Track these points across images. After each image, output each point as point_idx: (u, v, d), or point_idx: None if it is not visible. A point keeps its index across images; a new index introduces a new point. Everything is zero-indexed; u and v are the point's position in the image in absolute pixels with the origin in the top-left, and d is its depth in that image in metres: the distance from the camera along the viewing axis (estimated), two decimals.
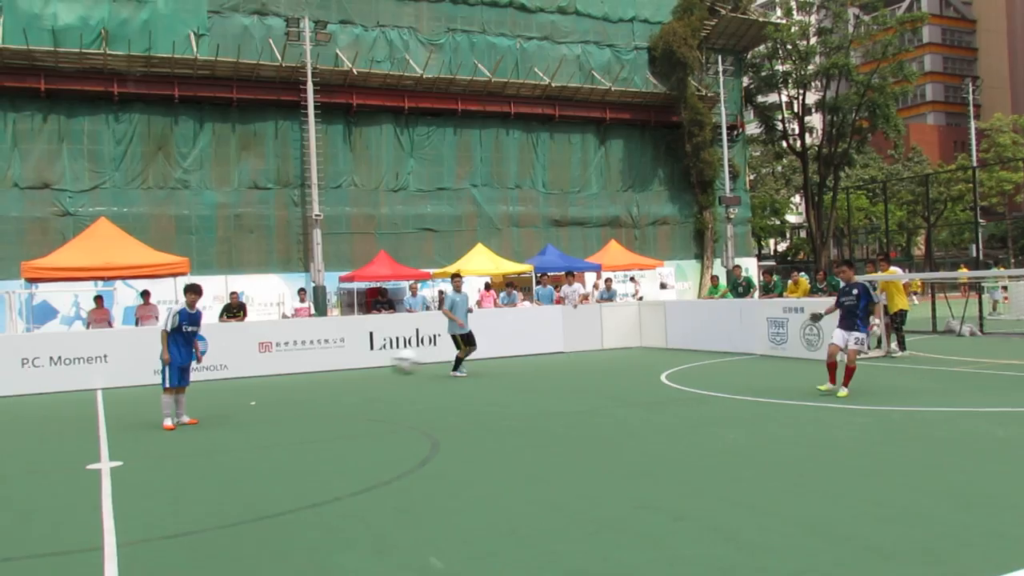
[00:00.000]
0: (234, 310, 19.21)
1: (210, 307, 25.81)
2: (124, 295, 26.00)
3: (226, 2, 30.31)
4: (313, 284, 28.48)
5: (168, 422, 10.48)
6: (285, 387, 14.64)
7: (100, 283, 23.39)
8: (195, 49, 29.36)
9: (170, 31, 29.29)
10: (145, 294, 19.08)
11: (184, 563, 5.10)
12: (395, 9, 33.03)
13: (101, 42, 28.15)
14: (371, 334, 18.00)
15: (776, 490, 6.22)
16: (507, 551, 5.03)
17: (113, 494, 6.93)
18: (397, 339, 18.06)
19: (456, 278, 16.36)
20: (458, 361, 15.49)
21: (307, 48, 28.74)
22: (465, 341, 15.63)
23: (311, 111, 28.82)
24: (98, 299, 18.72)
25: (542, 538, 5.24)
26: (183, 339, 10.80)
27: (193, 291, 11.01)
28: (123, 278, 22.40)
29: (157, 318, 18.55)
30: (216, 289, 27.90)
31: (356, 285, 29.30)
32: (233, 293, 21.30)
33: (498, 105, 34.45)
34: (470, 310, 16.30)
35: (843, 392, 10.86)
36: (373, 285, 28.62)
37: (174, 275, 20.19)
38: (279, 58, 30.24)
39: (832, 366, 11.21)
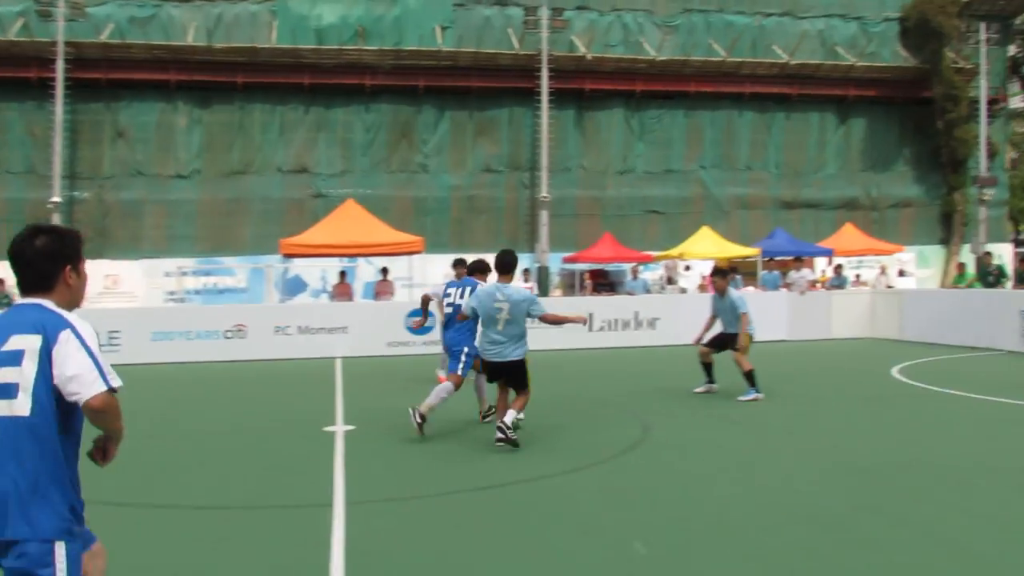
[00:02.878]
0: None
1: (441, 284, 27.28)
2: (365, 271, 27.97)
3: None
4: (537, 264, 29.25)
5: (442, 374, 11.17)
6: None
7: (345, 260, 25.34)
8: (440, 41, 30.93)
9: (418, 25, 31.06)
10: (384, 271, 20.46)
11: (403, 524, 5.62)
12: None
13: (357, 38, 30.40)
14: (591, 316, 18.34)
15: (1008, 501, 5.87)
16: (712, 541, 5.11)
17: (346, 456, 7.66)
18: (616, 321, 18.31)
19: (458, 265, 11.79)
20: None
21: (544, 35, 29.44)
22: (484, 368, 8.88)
23: (544, 97, 29.53)
24: (342, 274, 20.38)
25: (750, 531, 5.27)
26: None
27: (461, 264, 11.44)
28: (365, 255, 24.12)
29: (393, 293, 19.87)
30: (447, 267, 29.25)
31: (579, 266, 29.79)
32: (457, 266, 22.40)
33: (732, 86, 33.55)
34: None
35: None
36: (595, 267, 28.99)
37: (410, 253, 21.50)
38: (516, 46, 31.19)
39: None
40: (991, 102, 35.75)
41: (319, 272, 29.38)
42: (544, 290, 26.77)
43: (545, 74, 29.31)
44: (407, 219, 29.67)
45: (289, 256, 22.06)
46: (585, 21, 32.58)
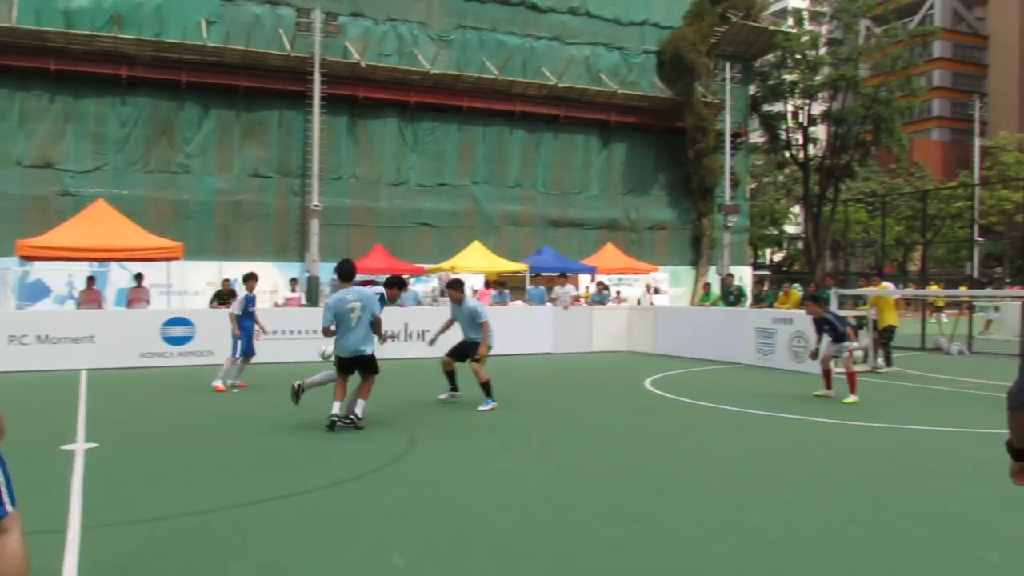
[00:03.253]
0: (225, 297, 19.26)
1: (202, 293, 25.98)
2: (118, 277, 26.13)
3: None
4: (308, 274, 28.55)
5: (220, 383, 12.72)
6: (270, 376, 14.70)
7: (95, 264, 23.51)
8: (205, 36, 29.47)
9: (181, 17, 29.43)
10: (138, 277, 19.19)
11: (145, 550, 5.18)
12: (406, 4, 33.14)
13: (112, 25, 28.29)
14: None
15: (746, 503, 6.30)
16: (472, 552, 5.11)
17: (85, 476, 7.02)
18: (385, 332, 18.09)
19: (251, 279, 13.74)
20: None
21: (317, 39, 28.81)
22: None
23: (316, 102, 28.90)
24: (90, 280, 18.85)
25: (508, 540, 5.33)
26: (249, 318, 13.13)
27: (253, 278, 13.70)
28: (117, 260, 22.48)
29: (148, 301, 18.67)
30: (210, 275, 28.05)
31: None
32: (225, 280, 21.36)
33: (503, 103, 34.53)
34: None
35: (850, 399, 11.59)
36: (367, 278, 28.63)
37: (168, 259, 20.29)
38: (288, 48, 30.33)
39: (826, 373, 12.17)
40: (734, 136, 39.13)
41: (65, 277, 27.09)
42: (314, 300, 26.11)
43: (318, 78, 28.71)
44: (166, 223, 28.02)
45: (27, 259, 20.03)
46: (360, 28, 32.31)
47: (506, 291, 21.81)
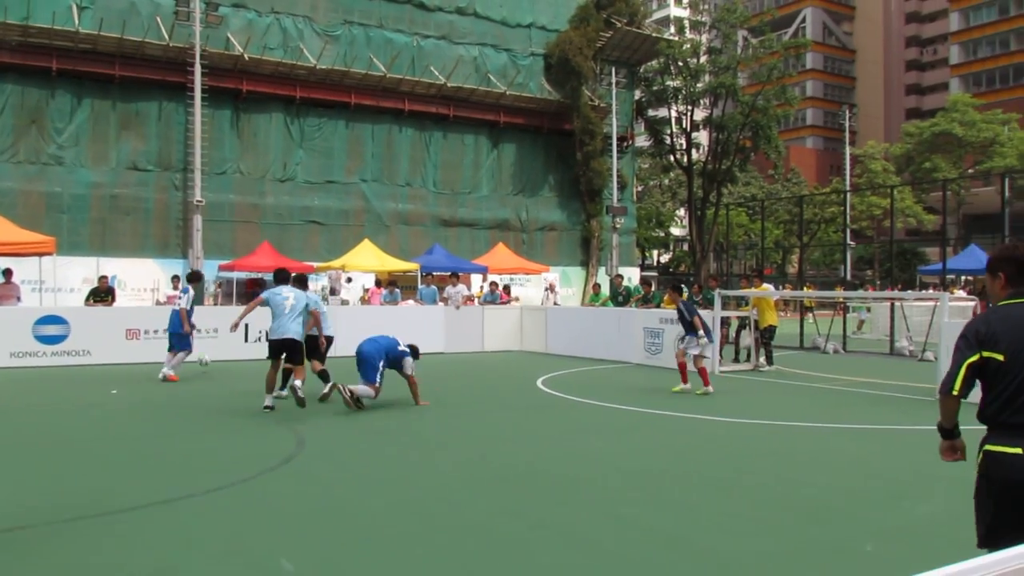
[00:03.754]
0: (102, 294, 18.43)
1: (78, 290, 24.74)
2: None
3: None
4: (190, 271, 27.57)
5: (174, 373, 13.71)
6: (151, 376, 14.13)
7: None
8: (77, 22, 28.07)
9: (51, 1, 27.93)
10: (7, 272, 18.08)
11: (13, 558, 4.87)
12: None
13: None
14: (247, 326, 17.54)
15: (636, 500, 6.39)
16: (363, 554, 5.01)
17: None
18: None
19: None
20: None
21: (196, 30, 27.79)
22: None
23: (197, 94, 27.88)
24: None
25: (400, 542, 5.24)
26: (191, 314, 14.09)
27: (198, 278, 15.51)
28: None
29: (19, 298, 17.63)
30: (86, 271, 26.81)
31: (236, 275, 28.56)
32: (102, 277, 20.42)
33: (392, 101, 34.22)
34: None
35: (702, 390, 12.42)
36: (254, 276, 27.97)
37: (39, 254, 19.26)
38: (166, 37, 29.21)
39: (682, 366, 12.84)
40: (621, 139, 39.87)
41: None
42: (199, 298, 25.21)
43: (199, 70, 27.70)
44: (38, 216, 26.64)
45: None
46: (242, 20, 31.42)
47: (397, 290, 21.58)
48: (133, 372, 14.91)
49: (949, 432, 3.63)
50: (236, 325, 11.54)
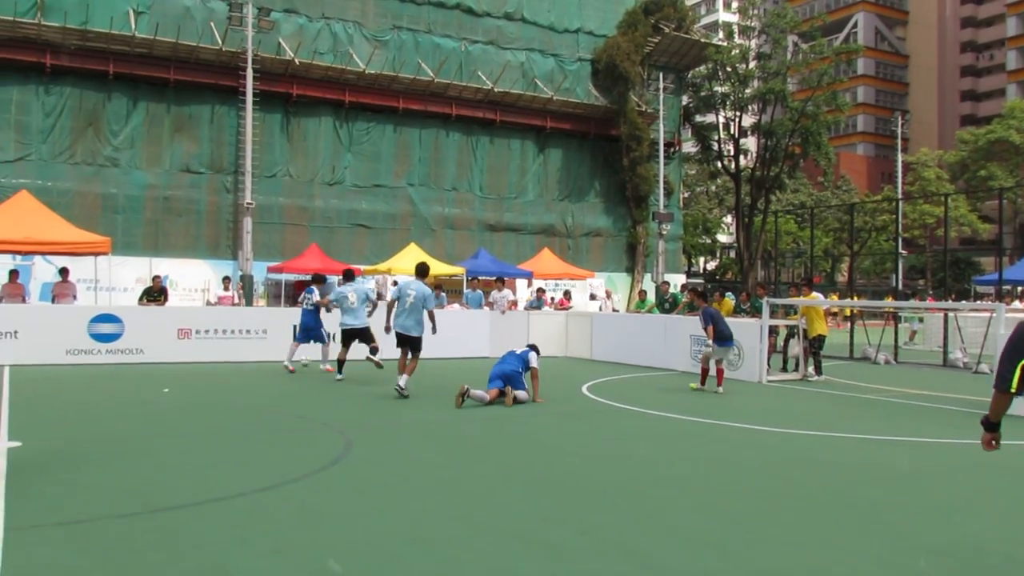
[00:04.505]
0: (155, 294, 18.80)
1: (132, 289, 25.26)
2: (43, 271, 25.23)
3: None
4: (240, 273, 28.01)
5: (328, 365, 15.44)
6: (202, 376, 14.36)
7: (18, 257, 22.68)
8: (133, 27, 28.71)
9: (109, 6, 28.61)
10: (63, 271, 18.55)
11: (71, 552, 4.98)
12: (341, 2, 32.81)
13: (36, 12, 27.35)
14: (295, 327, 17.77)
15: (682, 508, 6.33)
16: (408, 557, 5.02)
17: (9, 475, 6.72)
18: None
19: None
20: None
21: (249, 34, 28.27)
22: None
23: (249, 98, 28.35)
24: (13, 273, 18.13)
25: (444, 546, 5.25)
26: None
27: (322, 280, 17.06)
28: (42, 253, 21.73)
29: (75, 296, 18.06)
30: (139, 271, 27.35)
31: (285, 276, 28.93)
32: (156, 277, 20.84)
33: (439, 106, 34.42)
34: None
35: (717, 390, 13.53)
36: (302, 278, 28.29)
37: (95, 254, 19.69)
38: (220, 42, 29.74)
39: (704, 371, 13.97)
40: (667, 145, 39.68)
41: None
42: (249, 299, 25.63)
43: (250, 74, 28.17)
44: (94, 217, 27.26)
45: None
46: (294, 25, 31.87)
47: (443, 294, 21.69)
48: (184, 371, 15.17)
49: (995, 426, 3.85)
50: (389, 328, 12.44)
